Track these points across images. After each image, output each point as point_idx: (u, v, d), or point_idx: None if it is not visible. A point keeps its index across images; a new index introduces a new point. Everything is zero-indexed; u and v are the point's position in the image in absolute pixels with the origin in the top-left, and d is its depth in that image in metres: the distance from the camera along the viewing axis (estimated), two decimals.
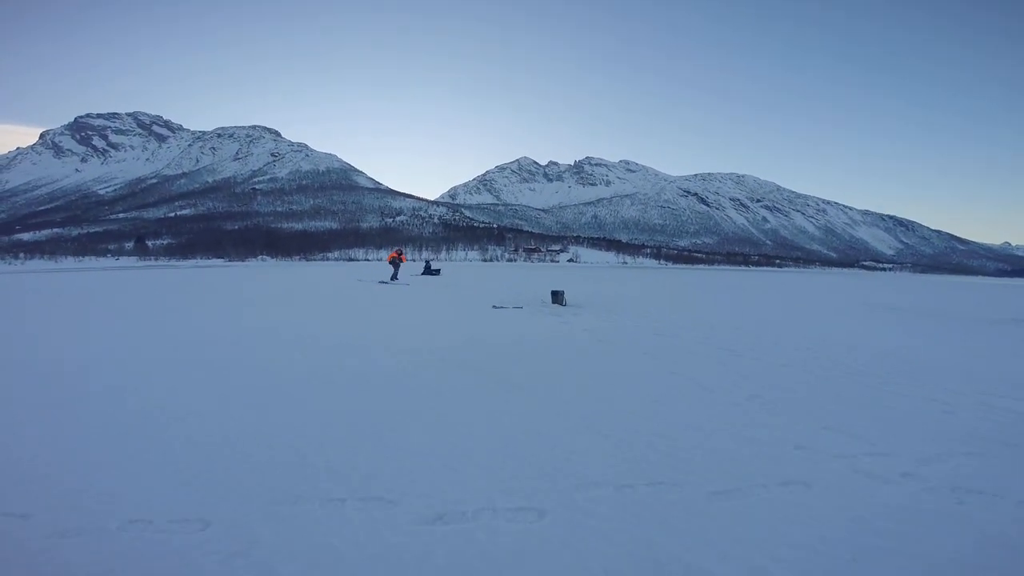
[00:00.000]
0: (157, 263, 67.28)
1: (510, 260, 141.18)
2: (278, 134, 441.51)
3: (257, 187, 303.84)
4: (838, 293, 21.78)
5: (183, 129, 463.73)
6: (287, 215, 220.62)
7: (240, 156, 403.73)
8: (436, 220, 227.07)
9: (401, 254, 21.78)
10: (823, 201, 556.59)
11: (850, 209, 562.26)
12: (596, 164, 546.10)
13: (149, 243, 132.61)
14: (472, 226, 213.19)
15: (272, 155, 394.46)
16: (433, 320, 9.43)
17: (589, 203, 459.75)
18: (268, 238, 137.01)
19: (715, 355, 6.52)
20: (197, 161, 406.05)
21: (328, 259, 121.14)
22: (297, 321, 8.95)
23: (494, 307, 11.16)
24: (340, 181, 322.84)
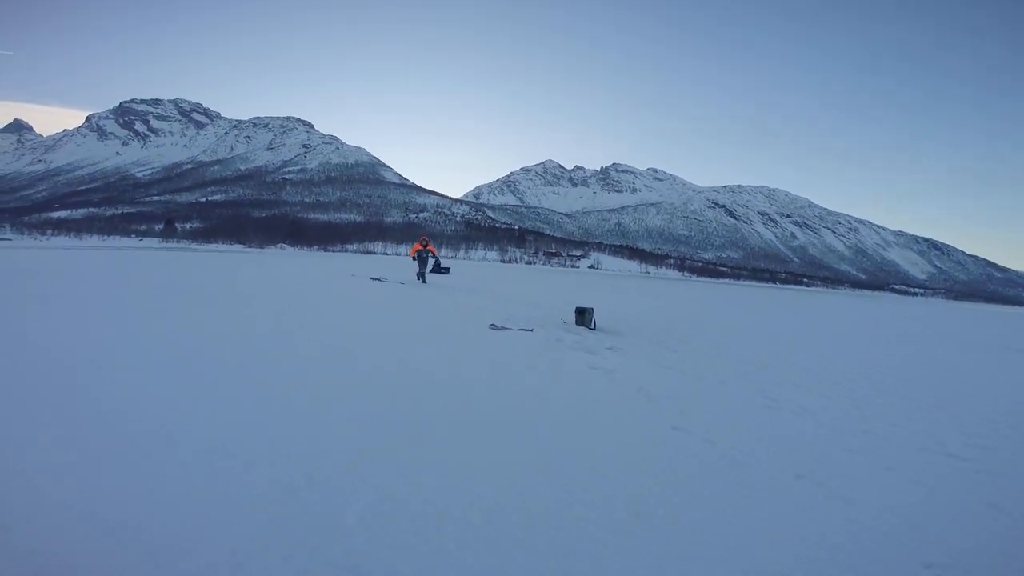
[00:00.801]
0: (178, 245, 67.15)
1: (529, 263, 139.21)
2: (311, 126, 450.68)
3: (287, 177, 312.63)
4: (939, 325, 18.64)
5: (220, 117, 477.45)
6: (314, 206, 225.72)
7: (273, 146, 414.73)
8: (459, 218, 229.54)
9: (428, 244, 16.70)
10: (855, 220, 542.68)
11: (883, 229, 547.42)
12: (623, 171, 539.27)
13: (178, 226, 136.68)
14: (493, 227, 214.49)
15: (304, 146, 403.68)
16: (381, 351, 6.15)
17: (613, 210, 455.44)
18: (292, 227, 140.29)
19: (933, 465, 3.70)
20: (232, 149, 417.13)
21: (347, 251, 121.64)
22: (227, 319, 6.60)
23: (492, 327, 8.42)
24: (367, 175, 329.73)
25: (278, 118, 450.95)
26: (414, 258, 16.91)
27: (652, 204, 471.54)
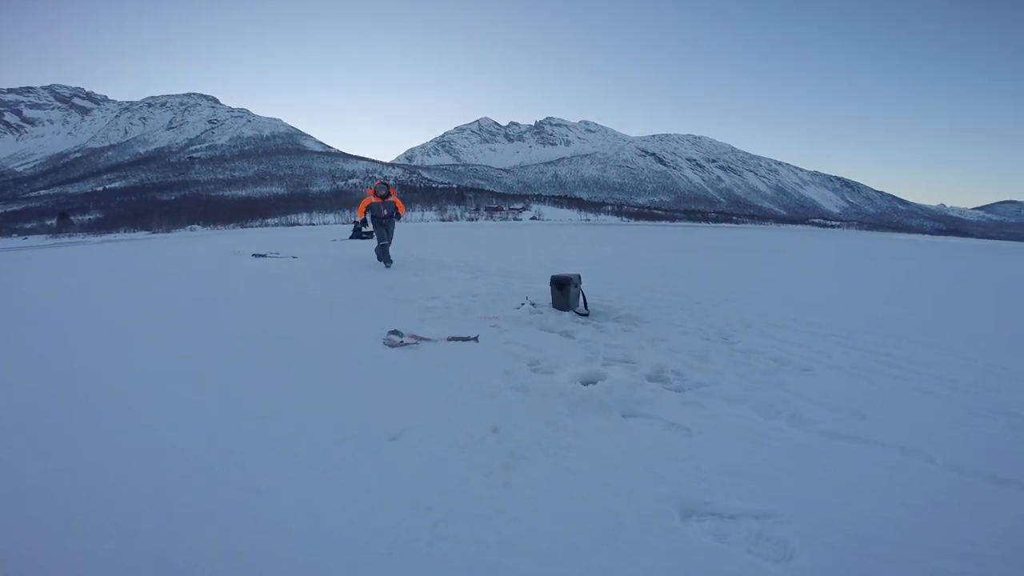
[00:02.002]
0: (70, 240, 59.00)
1: (471, 220, 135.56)
2: (216, 101, 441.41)
3: (195, 155, 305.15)
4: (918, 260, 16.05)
5: (108, 100, 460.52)
6: (229, 182, 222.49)
7: (174, 125, 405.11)
8: (392, 182, 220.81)
9: (391, 193, 8.96)
10: (775, 162, 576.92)
11: (800, 170, 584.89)
12: (556, 124, 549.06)
13: (74, 219, 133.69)
14: (430, 187, 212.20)
15: (210, 122, 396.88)
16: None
17: (550, 162, 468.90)
18: (205, 207, 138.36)
19: None
20: (126, 132, 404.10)
21: (267, 225, 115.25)
22: None
23: (391, 339, 4.04)
24: (286, 146, 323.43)
25: (177, 96, 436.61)
26: (361, 223, 9.08)
27: (586, 155, 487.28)
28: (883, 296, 7.43)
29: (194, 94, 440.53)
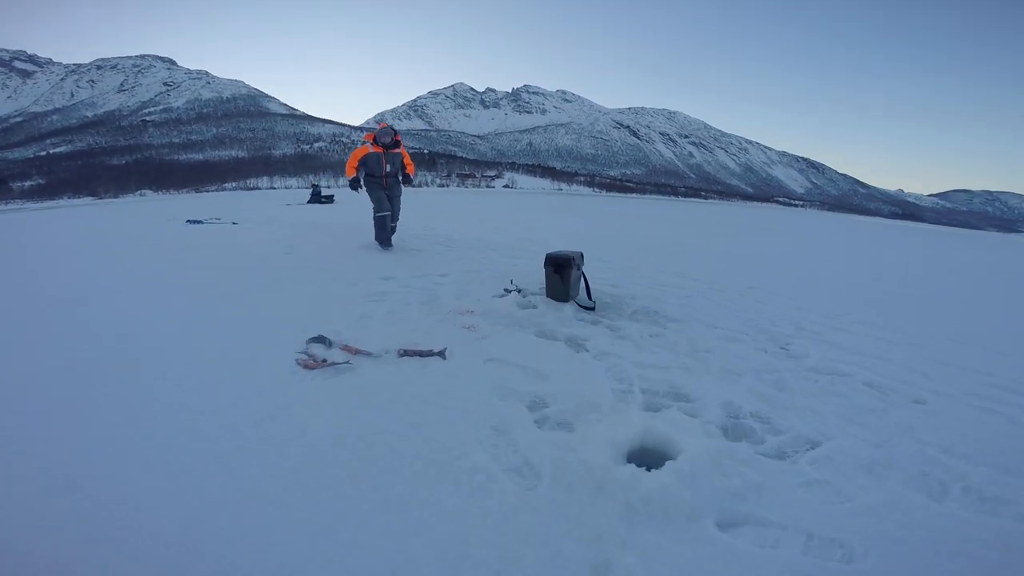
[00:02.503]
0: (6, 207, 54.35)
1: (442, 186, 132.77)
2: (172, 62, 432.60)
3: (148, 119, 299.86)
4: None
5: (53, 63, 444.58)
6: (185, 146, 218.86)
7: (126, 88, 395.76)
8: (360, 146, 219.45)
9: (397, 141, 5.95)
10: (745, 140, 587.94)
11: (769, 150, 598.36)
12: (533, 92, 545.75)
13: (13, 185, 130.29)
14: None
15: (165, 84, 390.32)
16: None
17: (525, 131, 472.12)
18: (158, 171, 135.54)
19: None
20: (72, 96, 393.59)
21: (225, 189, 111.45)
22: None
23: (303, 364, 2.49)
24: (248, 108, 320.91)
25: (129, 57, 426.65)
26: (352, 182, 5.92)
27: (562, 125, 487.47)
28: (916, 286, 6.41)
29: (148, 56, 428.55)
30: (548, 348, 2.83)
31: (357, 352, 2.67)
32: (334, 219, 10.90)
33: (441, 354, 2.63)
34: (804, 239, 13.30)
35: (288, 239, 7.10)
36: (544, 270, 3.65)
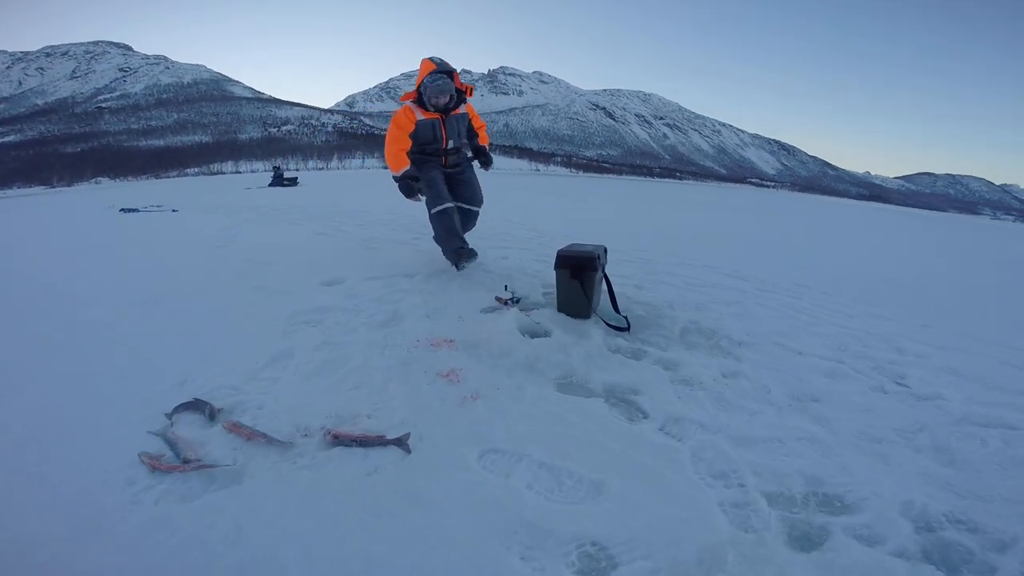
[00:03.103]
0: None
1: None
2: (128, 48, 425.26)
3: (104, 106, 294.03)
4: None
5: None
6: (144, 132, 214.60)
7: (78, 75, 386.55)
8: (330, 128, 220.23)
9: (447, 110, 3.27)
10: (719, 123, 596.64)
11: (742, 132, 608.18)
12: (510, 74, 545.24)
13: None
14: (372, 133, 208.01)
15: (121, 70, 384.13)
16: None
17: (501, 112, 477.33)
18: (115, 159, 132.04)
19: None
20: (20, 84, 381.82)
21: (187, 175, 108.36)
22: None
23: (149, 463, 1.39)
24: (211, 92, 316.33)
25: (81, 44, 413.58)
26: (412, 188, 3.25)
27: (538, 106, 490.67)
28: (970, 282, 5.50)
29: (102, 42, 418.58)
30: (584, 416, 1.70)
31: (252, 436, 1.50)
32: (291, 202, 9.51)
33: (401, 442, 1.48)
34: (802, 221, 12.45)
35: (229, 229, 5.79)
36: (556, 274, 2.51)
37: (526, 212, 7.83)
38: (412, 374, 1.96)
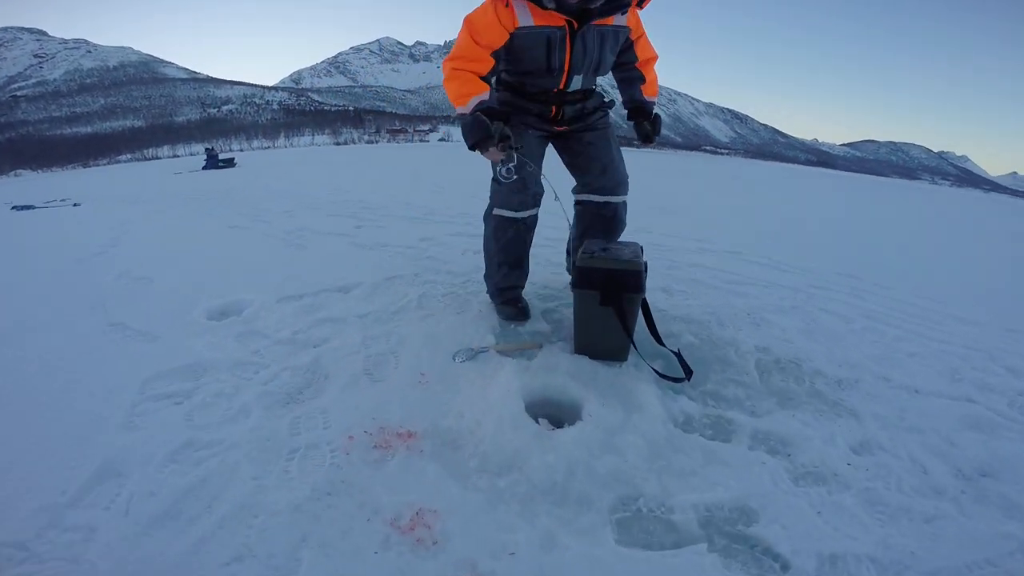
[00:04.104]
0: None
1: (370, 142, 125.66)
2: (43, 33, 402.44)
3: (19, 94, 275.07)
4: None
5: None
6: (69, 119, 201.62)
7: None
8: (275, 106, 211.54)
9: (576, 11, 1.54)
10: (675, 92, 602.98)
11: (697, 101, 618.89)
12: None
13: None
14: (321, 110, 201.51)
15: (36, 56, 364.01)
16: None
17: None
18: (37, 149, 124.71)
19: None
20: None
21: (118, 162, 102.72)
22: None
23: None
24: (140, 75, 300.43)
25: None
26: (487, 136, 1.52)
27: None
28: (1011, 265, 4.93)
29: (11, 28, 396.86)
30: None
31: None
32: (216, 187, 8.10)
33: None
34: (778, 192, 11.93)
35: (123, 226, 4.54)
36: (574, 296, 1.57)
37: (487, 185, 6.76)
38: (339, 527, 1.02)
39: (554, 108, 1.76)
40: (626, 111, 1.89)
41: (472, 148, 1.56)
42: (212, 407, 1.44)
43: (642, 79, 1.83)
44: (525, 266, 1.96)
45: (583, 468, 1.13)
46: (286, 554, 0.95)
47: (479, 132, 1.52)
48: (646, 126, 1.84)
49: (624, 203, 1.92)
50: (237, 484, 1.13)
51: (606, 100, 1.88)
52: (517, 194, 1.77)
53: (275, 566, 0.93)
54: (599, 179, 1.84)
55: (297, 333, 1.91)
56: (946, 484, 1.18)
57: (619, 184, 1.86)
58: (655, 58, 1.86)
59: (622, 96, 1.90)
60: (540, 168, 1.81)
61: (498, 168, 1.64)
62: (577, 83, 1.71)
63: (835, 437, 1.34)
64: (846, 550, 0.97)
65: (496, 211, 1.85)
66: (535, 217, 1.87)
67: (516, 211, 1.80)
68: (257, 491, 1.11)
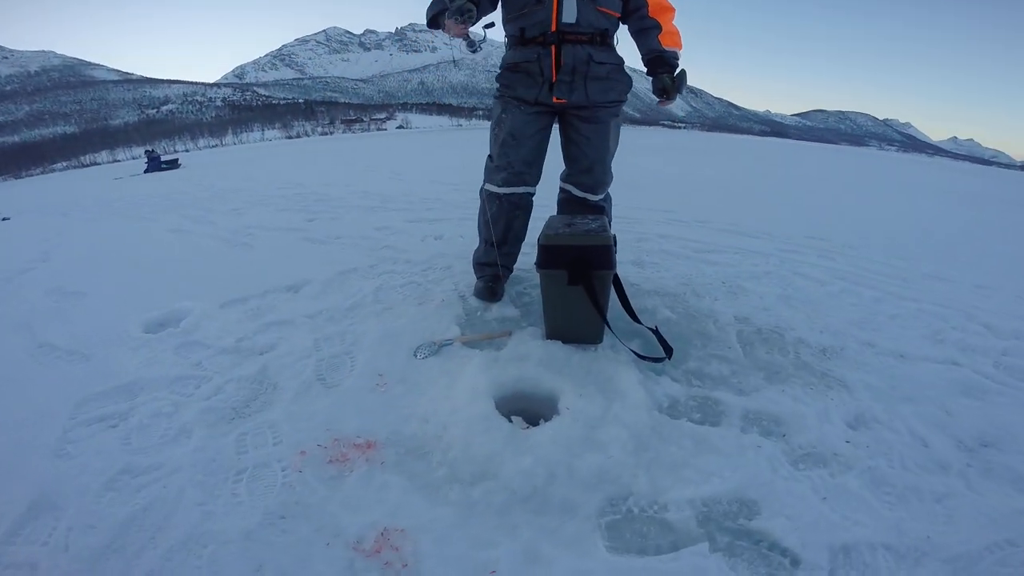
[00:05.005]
0: None
1: (325, 134, 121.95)
2: None
3: None
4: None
5: None
6: None
7: None
8: (219, 103, 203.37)
9: None
10: (631, 68, 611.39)
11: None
12: (420, 30, 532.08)
13: None
14: (270, 104, 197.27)
15: None
16: None
17: (415, 70, 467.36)
18: None
19: None
20: None
21: (52, 171, 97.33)
22: None
23: None
24: (66, 79, 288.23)
25: None
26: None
27: (454, 61, 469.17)
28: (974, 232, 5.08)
29: None
30: None
31: None
32: (157, 191, 7.55)
33: None
34: (736, 162, 12.09)
35: (52, 239, 4.11)
36: (540, 278, 1.44)
37: (457, 171, 6.56)
38: (296, 554, 0.90)
39: (553, 52, 1.57)
40: (646, 68, 1.70)
41: (430, 25, 1.54)
42: (150, 428, 1.28)
43: (658, 27, 1.65)
44: (509, 246, 1.88)
45: (564, 469, 1.00)
46: None
47: (436, 5, 1.49)
48: (665, 78, 1.64)
49: (604, 198, 1.88)
50: (182, 512, 0.99)
51: (624, 70, 1.69)
52: (500, 171, 1.72)
53: None
54: (581, 176, 1.80)
55: (242, 340, 1.72)
56: (950, 458, 1.12)
57: (598, 185, 1.81)
58: (671, 9, 1.68)
59: (640, 50, 1.71)
60: (537, 147, 1.72)
61: (462, 46, 1.56)
62: (571, 11, 1.53)
63: (829, 413, 1.27)
64: (858, 539, 0.89)
65: (485, 185, 1.82)
66: (522, 196, 1.78)
67: (499, 187, 1.75)
68: (204, 519, 0.97)
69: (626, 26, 1.71)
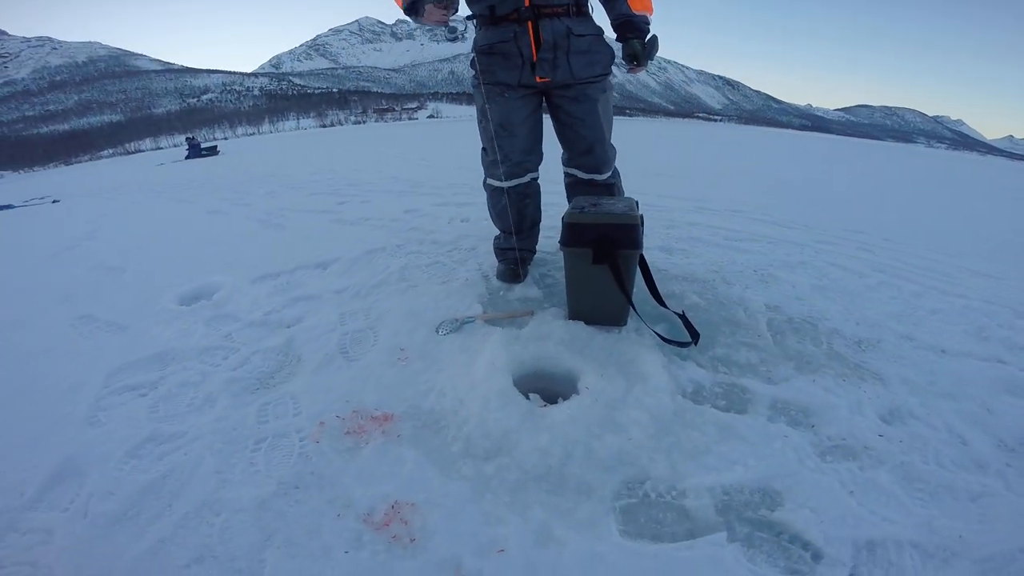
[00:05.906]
0: None
1: (358, 123, 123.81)
2: (3, 33, 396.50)
3: None
4: None
5: None
6: (43, 118, 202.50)
7: None
8: (257, 92, 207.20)
9: None
10: (664, 60, 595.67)
11: (687, 68, 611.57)
12: (452, 18, 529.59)
13: None
14: (305, 93, 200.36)
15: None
16: None
17: (446, 59, 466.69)
18: (13, 149, 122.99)
19: None
20: None
21: (100, 158, 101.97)
22: None
23: None
24: (112, 69, 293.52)
25: None
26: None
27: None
28: None
29: None
30: None
31: None
32: (197, 176, 7.84)
33: None
34: (774, 154, 11.69)
35: (97, 220, 4.35)
36: (564, 256, 1.42)
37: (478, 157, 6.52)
38: (307, 525, 0.91)
39: (531, 28, 1.48)
40: (615, 34, 1.60)
41: (407, 12, 1.41)
42: (177, 397, 1.32)
43: None
44: (527, 232, 1.85)
45: (581, 449, 0.99)
46: (249, 555, 0.85)
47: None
48: (635, 44, 1.56)
49: (613, 174, 1.79)
50: (199, 480, 1.02)
51: (604, 40, 1.60)
52: (500, 165, 1.66)
53: (237, 569, 0.84)
54: (582, 158, 1.71)
55: (270, 314, 1.76)
56: (988, 456, 1.05)
57: (602, 164, 1.72)
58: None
59: (609, 15, 1.62)
60: (531, 132, 1.66)
61: (444, 33, 1.53)
62: None
63: (862, 405, 1.21)
64: (885, 535, 0.85)
65: (487, 180, 1.77)
66: (528, 185, 1.75)
67: (501, 181, 1.70)
68: (220, 486, 1.00)
69: None
